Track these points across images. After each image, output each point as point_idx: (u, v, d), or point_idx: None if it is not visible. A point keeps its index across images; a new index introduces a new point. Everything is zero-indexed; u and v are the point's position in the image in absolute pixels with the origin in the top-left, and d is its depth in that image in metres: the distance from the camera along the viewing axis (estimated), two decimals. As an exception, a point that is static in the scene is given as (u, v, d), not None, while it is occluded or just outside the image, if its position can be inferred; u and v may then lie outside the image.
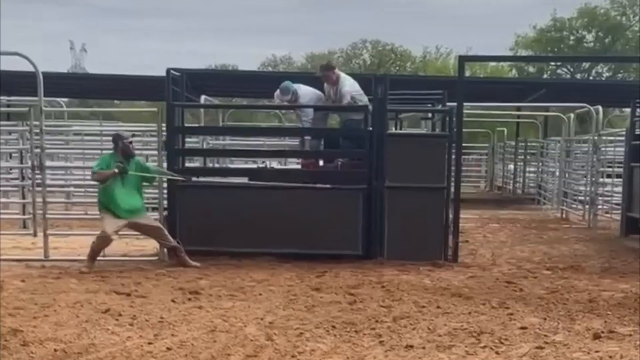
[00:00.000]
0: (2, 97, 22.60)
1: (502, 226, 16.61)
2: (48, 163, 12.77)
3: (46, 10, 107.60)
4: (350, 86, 12.27)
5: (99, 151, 13.62)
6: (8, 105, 21.98)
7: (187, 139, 13.70)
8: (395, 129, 14.40)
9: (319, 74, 12.60)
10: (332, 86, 12.38)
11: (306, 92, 12.63)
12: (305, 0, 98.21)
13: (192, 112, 18.32)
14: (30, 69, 11.18)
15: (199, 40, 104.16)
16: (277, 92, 12.57)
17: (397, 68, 64.78)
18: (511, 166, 27.81)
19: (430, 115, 14.57)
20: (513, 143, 27.38)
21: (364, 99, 12.28)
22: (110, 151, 10.85)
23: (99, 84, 24.42)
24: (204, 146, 15.87)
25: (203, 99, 18.55)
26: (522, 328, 7.30)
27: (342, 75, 12.54)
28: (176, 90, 11.94)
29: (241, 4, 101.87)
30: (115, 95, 25.85)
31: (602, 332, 7.14)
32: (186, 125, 12.50)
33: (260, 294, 8.77)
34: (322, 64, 13.01)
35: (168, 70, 11.67)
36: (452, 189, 11.47)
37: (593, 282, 9.91)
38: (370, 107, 11.85)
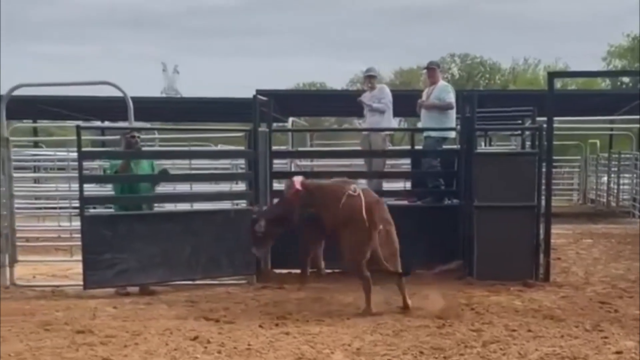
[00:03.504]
0: (96, 123, 23.33)
1: (595, 242, 16.08)
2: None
3: (139, 34, 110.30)
4: (449, 97, 12.46)
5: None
6: (102, 131, 22.67)
7: (276, 161, 13.66)
8: (484, 145, 14.26)
9: (427, 66, 13.10)
10: (431, 85, 12.74)
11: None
12: (392, 15, 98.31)
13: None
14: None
15: (287, 57, 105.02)
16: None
17: (486, 81, 64.12)
18: (604, 179, 27.14)
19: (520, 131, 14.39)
20: (606, 155, 26.74)
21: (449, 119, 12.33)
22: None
23: (189, 107, 24.84)
24: (292, 168, 15.92)
25: (291, 121, 18.67)
26: (617, 352, 7.09)
27: (445, 83, 12.89)
28: (264, 113, 12.07)
29: (327, 20, 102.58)
30: (205, 118, 26.21)
31: (702, 356, 6.89)
32: (274, 149, 12.43)
33: (347, 318, 8.70)
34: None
35: (255, 95, 11.76)
36: (543, 206, 11.26)
37: (692, 301, 9.54)
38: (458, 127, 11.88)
